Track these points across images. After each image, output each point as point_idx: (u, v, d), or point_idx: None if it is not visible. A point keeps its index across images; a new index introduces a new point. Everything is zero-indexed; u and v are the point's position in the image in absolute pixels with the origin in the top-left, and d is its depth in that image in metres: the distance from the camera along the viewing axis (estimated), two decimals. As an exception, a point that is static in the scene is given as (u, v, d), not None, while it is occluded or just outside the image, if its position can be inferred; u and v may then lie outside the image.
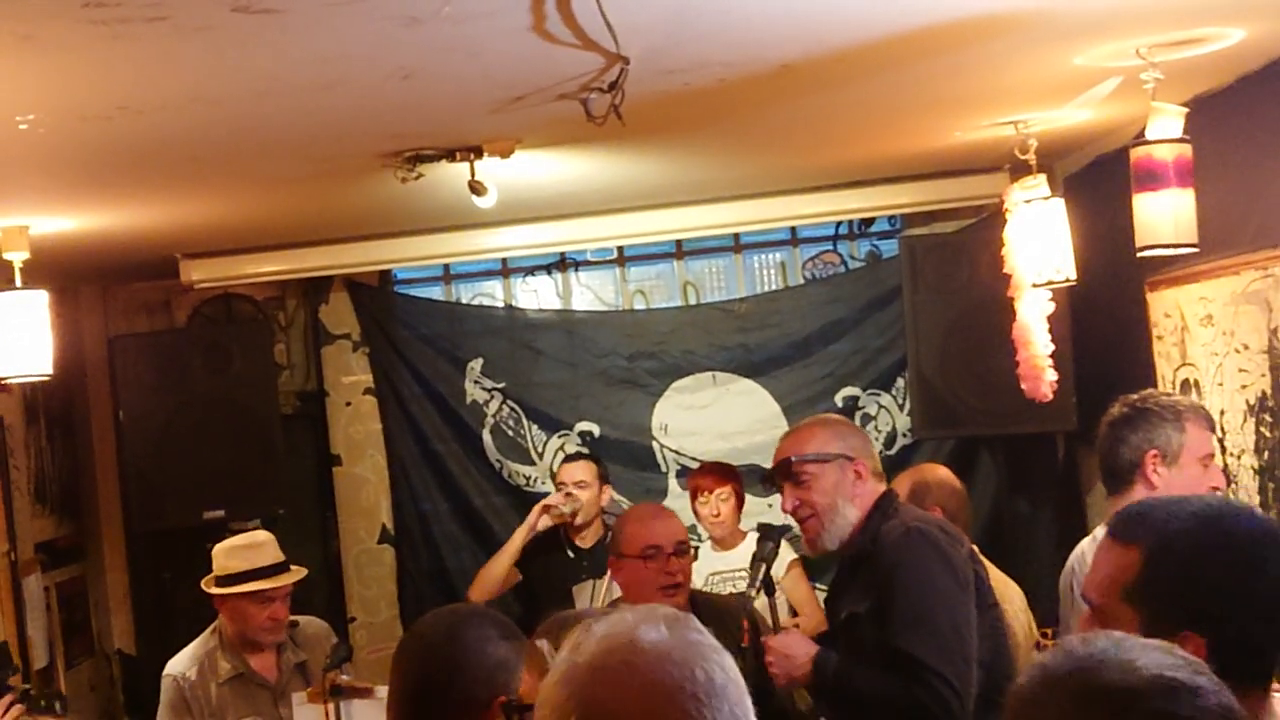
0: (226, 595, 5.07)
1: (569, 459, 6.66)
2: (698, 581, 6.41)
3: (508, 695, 2.65)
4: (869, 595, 3.89)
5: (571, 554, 6.44)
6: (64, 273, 6.66)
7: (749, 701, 1.83)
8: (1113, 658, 1.74)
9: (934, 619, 3.74)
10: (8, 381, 5.55)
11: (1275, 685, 2.29)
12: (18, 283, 5.22)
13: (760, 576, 4.27)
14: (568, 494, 6.29)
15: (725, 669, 1.82)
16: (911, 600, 3.78)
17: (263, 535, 5.27)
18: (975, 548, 4.19)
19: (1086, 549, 3.97)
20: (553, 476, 7.41)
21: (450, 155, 4.70)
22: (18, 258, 5.18)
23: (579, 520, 6.41)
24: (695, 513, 6.41)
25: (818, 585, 6.98)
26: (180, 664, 5.13)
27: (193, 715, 4.98)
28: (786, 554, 6.45)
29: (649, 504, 6.02)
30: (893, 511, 4.06)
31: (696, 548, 6.38)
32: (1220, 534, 2.28)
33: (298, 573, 5.18)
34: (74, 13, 2.81)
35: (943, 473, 5.64)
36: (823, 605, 5.36)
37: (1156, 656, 1.74)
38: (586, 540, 6.48)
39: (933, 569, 3.81)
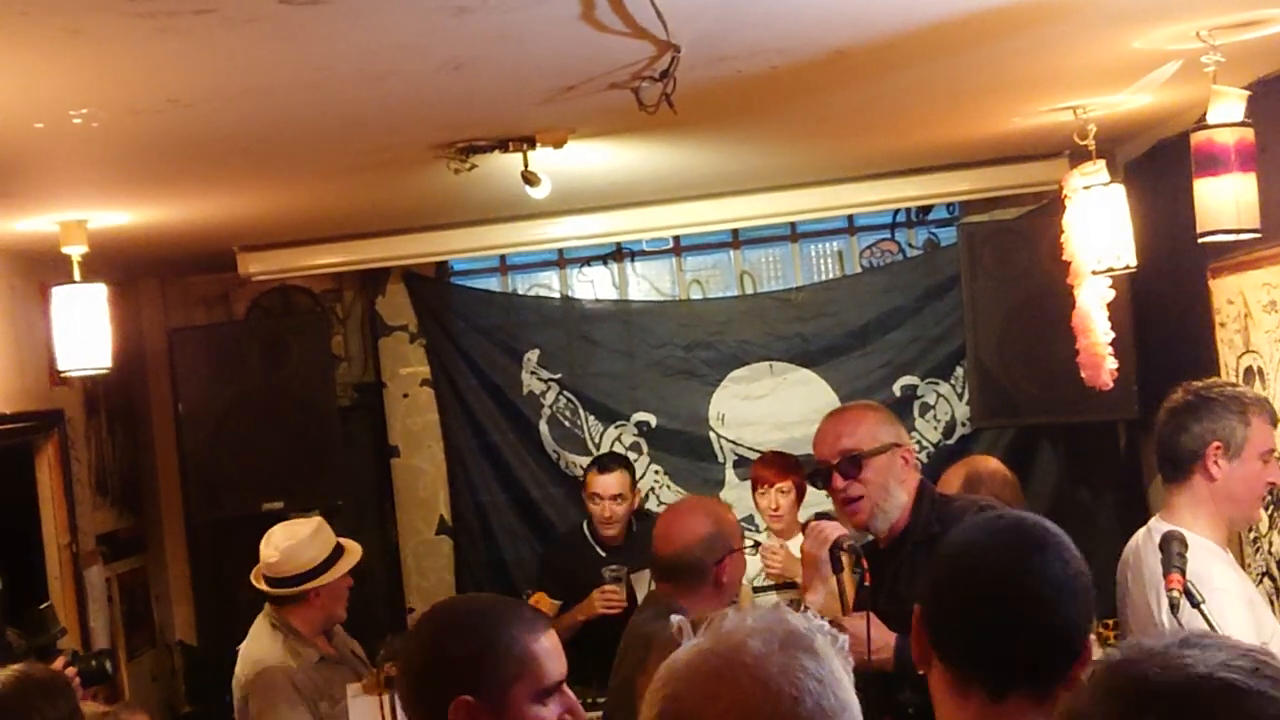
0: (328, 582, 5.09)
1: (601, 468, 6.59)
2: (751, 572, 6.40)
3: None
4: None
5: (603, 553, 6.46)
6: (122, 266, 6.71)
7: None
8: (1169, 655, 1.67)
9: None
10: (68, 375, 5.58)
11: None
12: (76, 277, 5.26)
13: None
14: (619, 581, 6.26)
15: (835, 696, 1.81)
16: None
17: (314, 519, 5.27)
18: None
19: (1141, 541, 3.92)
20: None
21: (503, 146, 4.69)
22: (76, 252, 5.22)
23: (615, 531, 6.46)
24: (755, 504, 6.38)
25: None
26: (274, 656, 5.05)
27: (305, 702, 4.97)
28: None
29: (699, 496, 5.99)
30: (940, 497, 4.15)
31: (756, 542, 6.40)
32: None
33: (353, 549, 5.25)
34: (122, 6, 2.80)
35: (994, 464, 5.60)
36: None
37: (1215, 655, 1.69)
38: (617, 540, 6.50)
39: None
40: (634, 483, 6.57)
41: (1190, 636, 1.69)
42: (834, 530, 4.19)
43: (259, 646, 5.12)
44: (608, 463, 6.65)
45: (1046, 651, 2.32)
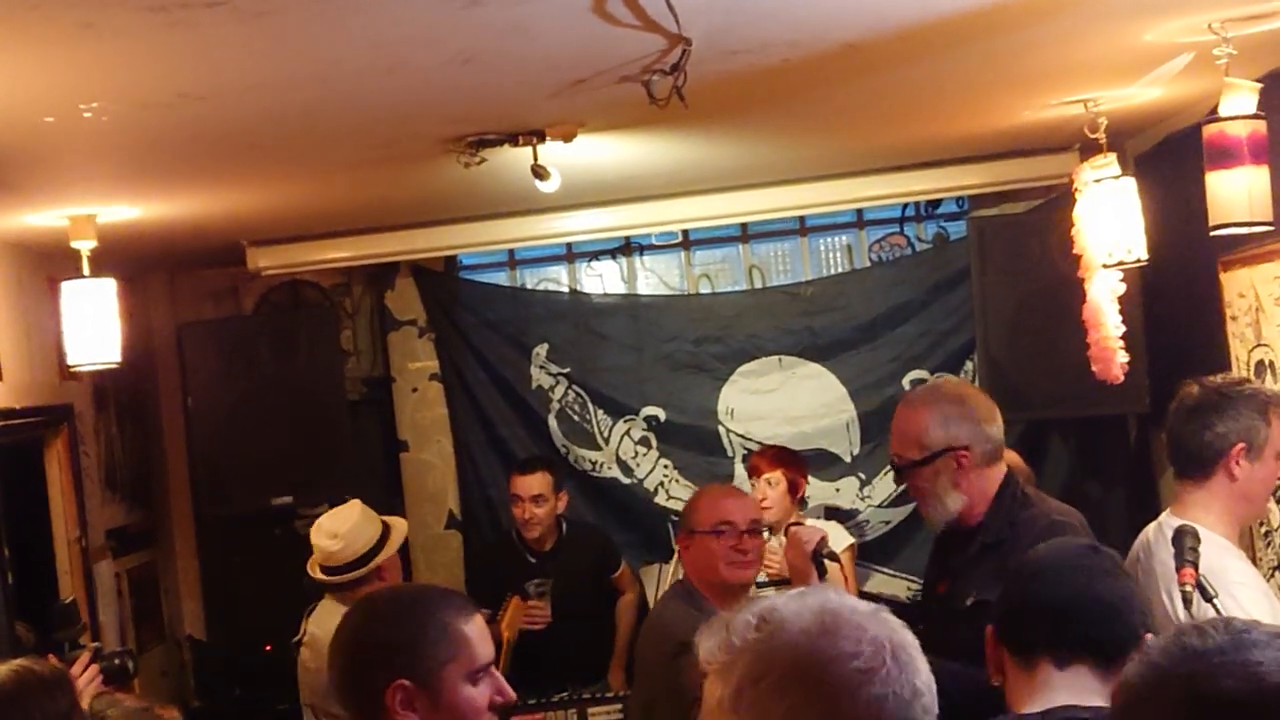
0: (393, 553, 5.22)
1: (521, 469, 6.62)
2: None
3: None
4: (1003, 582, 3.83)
5: (532, 559, 6.46)
6: (132, 261, 6.70)
7: None
8: (1232, 659, 1.65)
9: None
10: (78, 370, 5.58)
11: None
12: (86, 271, 5.26)
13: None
14: (543, 596, 6.28)
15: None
16: None
17: (354, 503, 5.31)
18: None
19: (1152, 535, 3.89)
20: (619, 462, 7.43)
21: (513, 140, 4.68)
22: (85, 246, 5.22)
23: (538, 533, 6.49)
24: None
25: (885, 570, 6.99)
26: None
27: None
28: (844, 538, 6.44)
29: (720, 485, 6.00)
30: (1023, 496, 4.03)
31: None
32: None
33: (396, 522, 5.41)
34: (133, 1, 2.80)
35: (1012, 456, 5.58)
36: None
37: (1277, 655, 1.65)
38: (544, 545, 6.51)
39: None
40: (557, 486, 6.56)
41: (1235, 631, 1.66)
42: (813, 536, 4.18)
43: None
44: (529, 463, 6.68)
45: (1112, 650, 2.69)
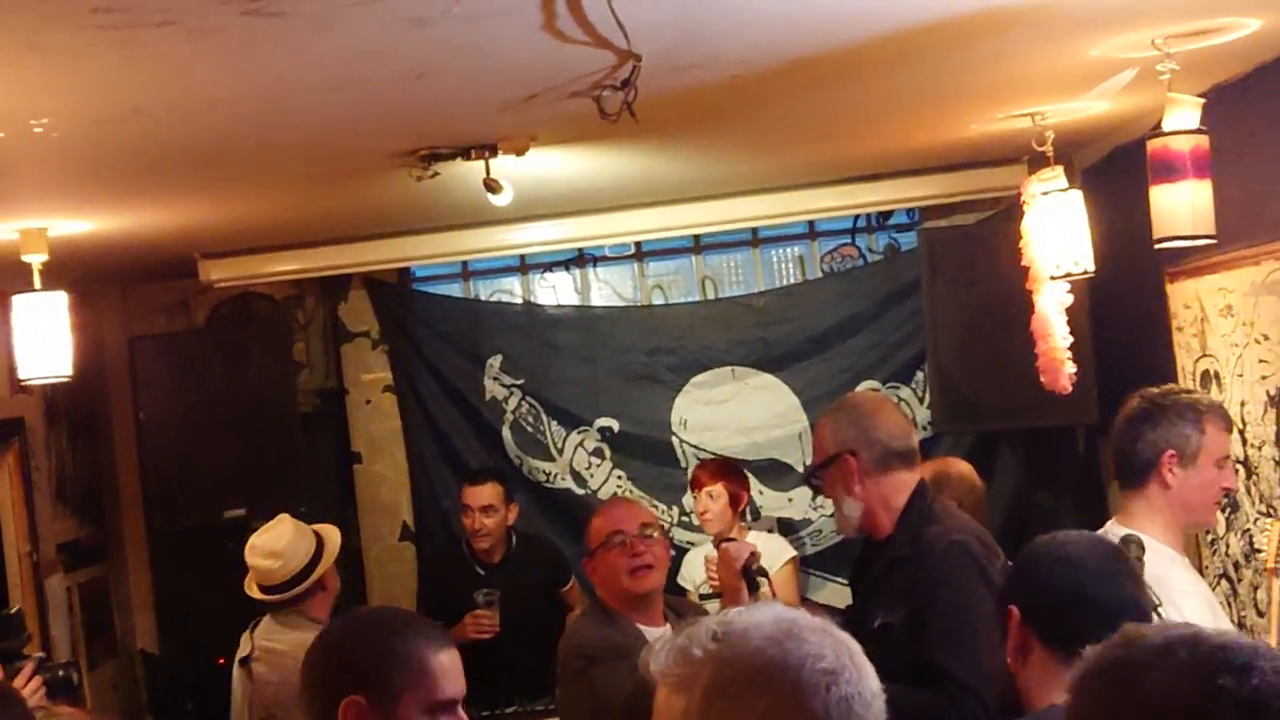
0: (331, 562, 5.25)
1: (471, 479, 6.66)
2: (697, 579, 6.45)
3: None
4: (906, 605, 3.84)
5: (482, 571, 6.48)
6: (83, 274, 6.68)
7: None
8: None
9: (973, 637, 3.67)
10: (29, 383, 5.56)
11: None
12: (37, 285, 5.23)
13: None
14: (491, 605, 6.29)
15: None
16: (950, 618, 3.74)
17: (281, 517, 5.30)
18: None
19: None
20: (573, 473, 7.45)
21: (465, 153, 4.69)
22: (36, 260, 5.19)
23: (487, 544, 6.51)
24: None
25: (838, 579, 7.02)
26: None
27: None
28: (785, 550, 6.49)
29: (612, 497, 6.01)
30: (930, 512, 4.02)
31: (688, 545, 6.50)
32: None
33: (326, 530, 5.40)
34: (82, 18, 2.80)
35: (965, 468, 5.64)
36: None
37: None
38: (494, 557, 6.55)
39: (974, 586, 3.74)
40: (507, 497, 6.59)
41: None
42: (742, 552, 4.20)
43: (312, 634, 5.13)
44: (480, 474, 6.72)
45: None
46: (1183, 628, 1.70)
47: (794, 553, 6.62)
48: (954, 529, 3.93)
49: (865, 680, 1.88)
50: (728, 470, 6.51)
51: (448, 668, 2.71)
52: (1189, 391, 4.12)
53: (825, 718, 1.82)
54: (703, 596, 6.36)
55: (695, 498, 6.41)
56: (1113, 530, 3.85)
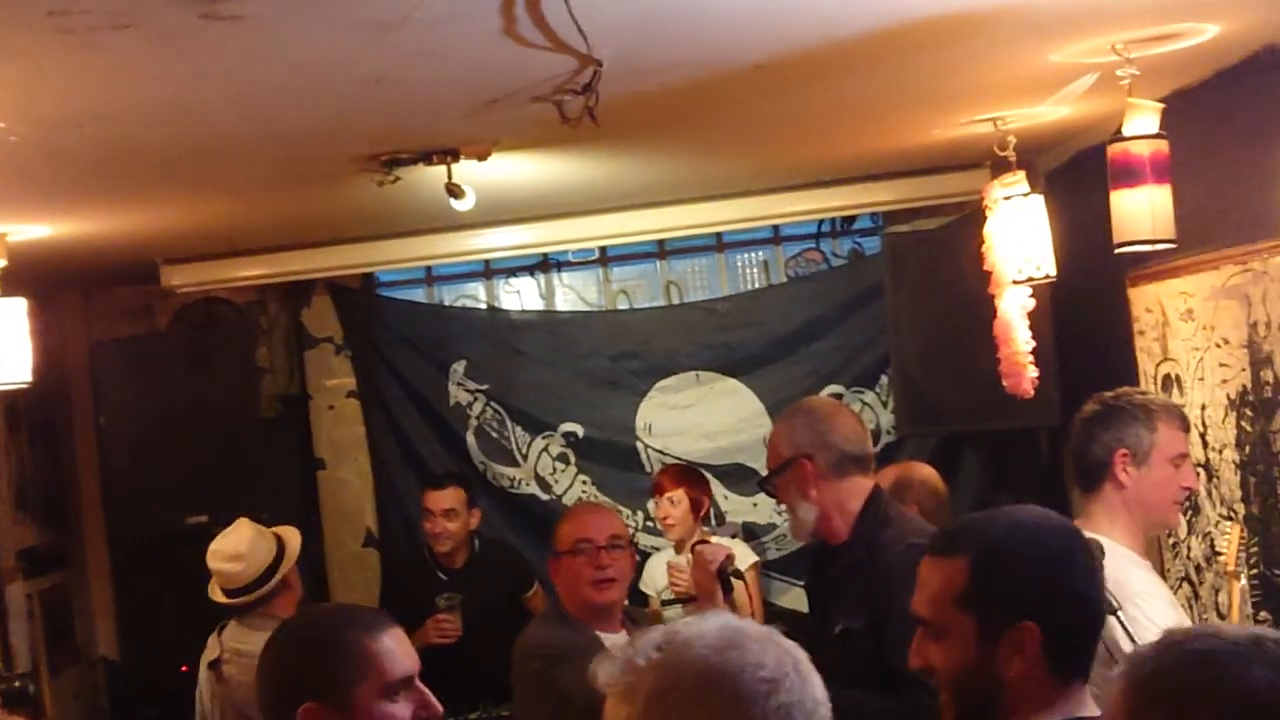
0: (294, 561, 5.27)
1: (434, 484, 6.65)
2: (659, 584, 6.44)
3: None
4: (864, 609, 3.83)
5: (444, 577, 6.48)
6: (44, 279, 6.63)
7: None
8: None
9: None
10: (-12, 389, 5.52)
11: None
12: (-3, 290, 5.20)
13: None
14: (453, 609, 6.28)
15: None
16: (909, 622, 3.75)
17: (239, 521, 5.30)
18: None
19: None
20: (537, 478, 7.44)
21: (427, 159, 4.68)
22: (-4, 265, 5.17)
23: (448, 548, 6.50)
24: None
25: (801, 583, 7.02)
26: None
27: None
28: (748, 555, 6.50)
29: (585, 502, 6.00)
30: (884, 516, 4.02)
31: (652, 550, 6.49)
32: (1035, 532, 2.52)
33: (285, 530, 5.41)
34: (40, 22, 2.79)
35: (927, 472, 5.64)
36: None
37: None
38: (456, 561, 6.54)
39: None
40: (469, 502, 6.58)
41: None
42: (717, 554, 4.20)
43: None
44: (441, 479, 6.71)
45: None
46: (1238, 627, 1.80)
47: (756, 558, 6.64)
48: (910, 532, 3.93)
49: (808, 689, 1.90)
50: (689, 476, 6.53)
51: (391, 648, 2.72)
52: (1143, 393, 4.13)
53: None
54: (665, 602, 6.36)
55: (657, 503, 6.43)
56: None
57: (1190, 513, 5.18)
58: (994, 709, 2.42)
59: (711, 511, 7.19)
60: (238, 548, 5.14)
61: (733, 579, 4.15)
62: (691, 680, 1.88)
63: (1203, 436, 5.07)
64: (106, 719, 7.41)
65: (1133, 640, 3.39)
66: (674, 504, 6.33)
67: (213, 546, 5.20)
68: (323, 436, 7.64)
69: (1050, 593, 2.43)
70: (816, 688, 1.91)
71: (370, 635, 2.71)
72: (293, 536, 5.33)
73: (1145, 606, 3.65)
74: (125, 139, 3.96)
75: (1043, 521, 2.54)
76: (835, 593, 4.04)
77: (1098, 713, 2.38)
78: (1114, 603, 3.41)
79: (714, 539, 6.08)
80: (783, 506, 6.74)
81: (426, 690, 2.75)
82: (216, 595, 5.20)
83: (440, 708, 2.76)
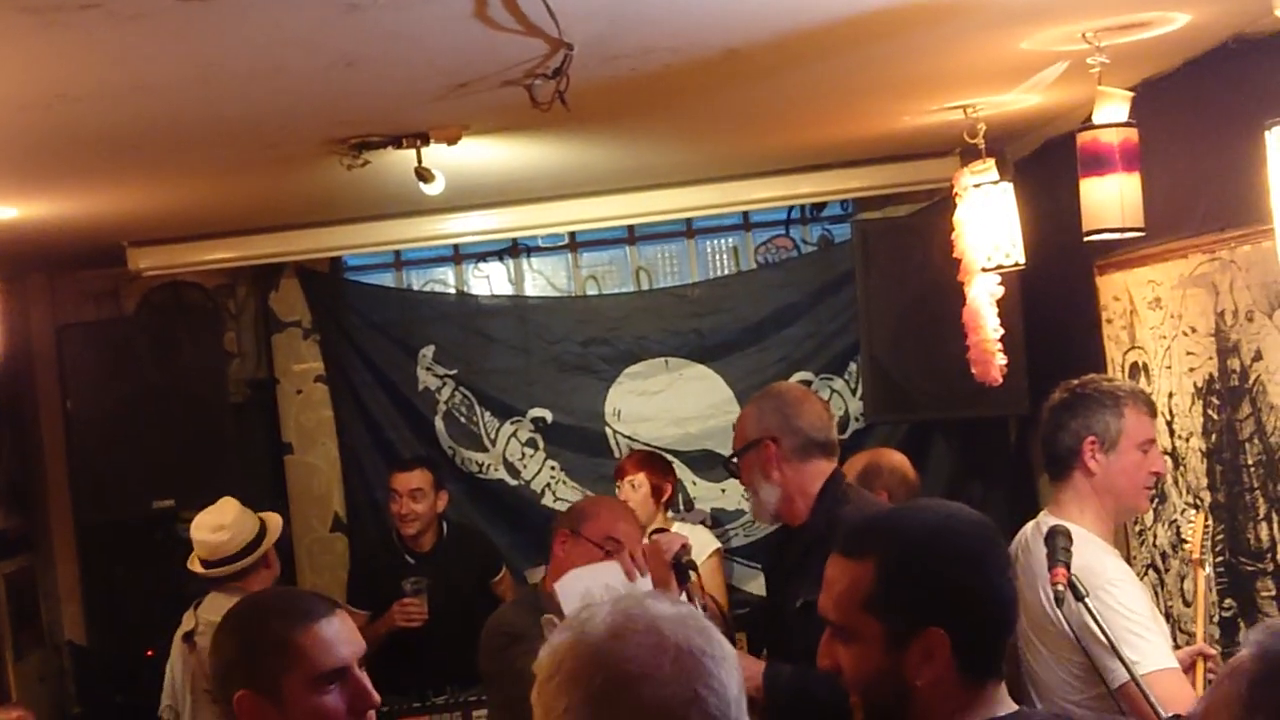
0: (275, 538, 5.46)
1: (401, 467, 6.70)
2: None
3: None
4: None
5: (412, 560, 6.49)
6: (9, 262, 6.60)
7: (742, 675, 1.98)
8: None
9: None
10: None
11: None
12: (-39, 273, 5.18)
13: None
14: (419, 593, 6.26)
15: (727, 643, 1.99)
16: None
17: (223, 500, 5.40)
18: None
19: (1030, 535, 3.97)
20: (506, 463, 7.43)
21: (396, 142, 4.67)
22: (-39, 248, 5.14)
23: (414, 530, 6.51)
24: None
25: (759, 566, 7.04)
26: None
27: None
28: (710, 542, 6.51)
29: (623, 502, 5.99)
30: (843, 495, 4.10)
31: None
32: (945, 534, 2.40)
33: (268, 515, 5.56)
34: (6, 1, 2.76)
35: (897, 459, 5.65)
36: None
37: None
38: (424, 544, 6.56)
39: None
40: (436, 485, 6.60)
41: None
42: (672, 544, 4.24)
43: None
44: (409, 461, 6.77)
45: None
46: None
47: (718, 545, 6.66)
48: (868, 507, 4.00)
49: (685, 680, 1.91)
50: (651, 461, 6.55)
51: (323, 638, 2.67)
52: (1110, 380, 4.15)
53: (631, 717, 1.89)
54: None
55: (618, 487, 6.44)
56: (1044, 520, 3.89)
57: (1156, 501, 5.20)
58: (904, 713, 2.34)
59: (680, 498, 7.22)
60: (223, 520, 5.25)
61: (688, 570, 4.17)
62: (567, 668, 1.93)
63: (1169, 425, 5.09)
64: (72, 703, 7.37)
65: (1100, 627, 3.41)
66: (634, 488, 6.35)
67: (196, 519, 5.31)
68: (290, 421, 7.61)
69: (960, 598, 2.33)
70: (702, 679, 1.92)
71: (300, 625, 2.67)
72: (274, 519, 5.45)
73: (1115, 592, 3.67)
74: (93, 120, 3.93)
75: (955, 522, 2.43)
76: (796, 572, 4.06)
77: (1014, 708, 2.37)
78: (1081, 589, 3.44)
79: (675, 526, 6.11)
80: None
81: (364, 679, 2.70)
82: (194, 566, 5.25)
83: (377, 698, 2.72)
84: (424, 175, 4.78)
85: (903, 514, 2.60)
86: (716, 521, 7.28)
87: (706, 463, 7.36)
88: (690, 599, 4.10)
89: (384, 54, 3.58)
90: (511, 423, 7.53)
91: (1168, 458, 5.05)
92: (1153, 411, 4.01)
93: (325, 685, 2.65)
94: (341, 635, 2.71)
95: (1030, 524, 4.04)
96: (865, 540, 2.44)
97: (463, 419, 7.53)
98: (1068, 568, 3.46)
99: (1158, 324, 5.23)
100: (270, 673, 2.64)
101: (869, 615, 2.34)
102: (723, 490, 7.40)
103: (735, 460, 4.24)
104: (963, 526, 2.42)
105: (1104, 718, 3.42)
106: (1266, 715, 1.73)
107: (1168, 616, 5.12)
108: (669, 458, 7.05)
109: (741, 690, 1.97)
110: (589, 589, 4.26)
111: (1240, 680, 1.76)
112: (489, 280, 7.77)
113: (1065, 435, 3.92)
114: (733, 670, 1.96)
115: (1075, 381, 4.00)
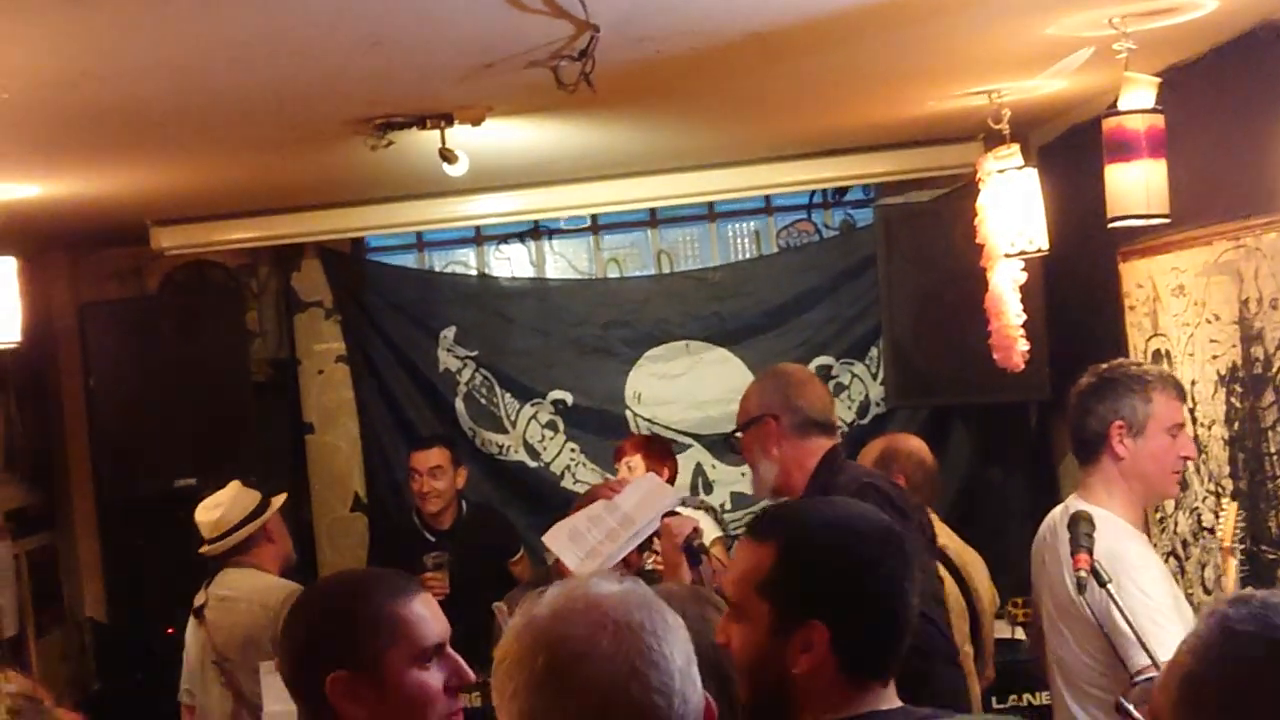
0: (276, 510, 5.39)
1: (421, 445, 6.71)
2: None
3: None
4: None
5: (432, 538, 6.50)
6: (33, 239, 6.61)
7: (692, 647, 1.98)
8: None
9: None
10: (-24, 349, 5.51)
11: None
12: (-15, 250, 5.19)
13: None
14: (440, 568, 6.22)
15: (673, 615, 1.99)
16: None
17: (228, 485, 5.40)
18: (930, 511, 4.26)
19: (1058, 519, 3.96)
20: (526, 445, 7.44)
21: (421, 123, 4.67)
22: (-15, 225, 5.15)
23: (436, 507, 6.53)
24: None
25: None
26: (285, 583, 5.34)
27: None
28: (711, 531, 6.50)
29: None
30: (838, 467, 4.14)
31: None
32: (845, 533, 2.42)
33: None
34: (34, -21, 2.78)
35: (915, 444, 5.64)
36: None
37: None
38: (444, 522, 6.57)
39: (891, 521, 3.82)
40: (455, 462, 6.61)
41: None
42: (684, 526, 4.26)
43: (264, 581, 5.26)
44: (428, 439, 6.77)
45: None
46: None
47: (720, 533, 6.64)
48: (863, 473, 4.11)
49: (624, 656, 1.90)
50: (650, 445, 6.54)
51: (422, 614, 2.64)
52: (1138, 364, 4.15)
53: (564, 696, 1.89)
54: (639, 573, 6.36)
55: (616, 468, 6.44)
56: (1071, 504, 3.89)
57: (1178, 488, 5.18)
58: (784, 702, 2.37)
59: (699, 482, 7.22)
60: (219, 499, 5.29)
61: (700, 553, 4.19)
62: (514, 650, 1.94)
63: (1192, 412, 5.08)
64: (93, 680, 7.41)
65: (1123, 613, 3.41)
66: (630, 470, 6.33)
67: (199, 505, 5.30)
68: (311, 401, 7.63)
69: (846, 596, 2.35)
70: (641, 654, 1.91)
71: (398, 600, 2.63)
72: (278, 497, 5.43)
73: (1140, 579, 3.67)
74: (118, 98, 3.94)
75: (859, 523, 2.45)
76: None
77: (898, 704, 2.38)
78: (1104, 575, 3.44)
79: (685, 513, 6.10)
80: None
81: (458, 657, 2.67)
82: (203, 549, 5.29)
83: (473, 675, 2.68)
84: (448, 156, 4.79)
85: (812, 507, 2.68)
86: (734, 506, 7.27)
87: (726, 446, 7.35)
88: (702, 582, 4.12)
89: (410, 34, 3.58)
90: (532, 405, 7.54)
91: (1189, 446, 5.03)
92: (1181, 396, 4.00)
93: (426, 661, 2.61)
94: (435, 611, 2.69)
95: (1058, 507, 4.04)
96: (772, 525, 2.49)
97: (483, 400, 7.55)
98: (1090, 553, 3.46)
99: (1181, 311, 5.21)
100: (373, 649, 2.57)
101: (760, 598, 2.38)
102: (742, 474, 7.34)
103: (738, 436, 4.28)
104: (865, 529, 2.44)
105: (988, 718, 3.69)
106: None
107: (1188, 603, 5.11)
108: (687, 440, 7.06)
109: (690, 661, 1.96)
110: (575, 527, 4.33)
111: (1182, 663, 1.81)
112: (510, 262, 7.78)
113: (1093, 420, 3.91)
114: (678, 642, 1.95)
115: (1103, 366, 3.99)
